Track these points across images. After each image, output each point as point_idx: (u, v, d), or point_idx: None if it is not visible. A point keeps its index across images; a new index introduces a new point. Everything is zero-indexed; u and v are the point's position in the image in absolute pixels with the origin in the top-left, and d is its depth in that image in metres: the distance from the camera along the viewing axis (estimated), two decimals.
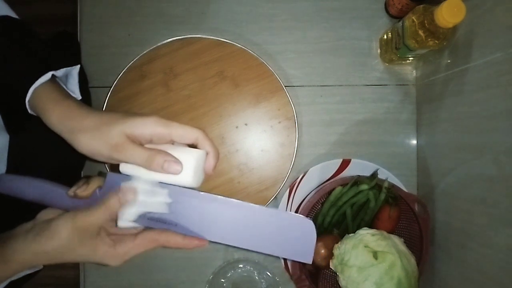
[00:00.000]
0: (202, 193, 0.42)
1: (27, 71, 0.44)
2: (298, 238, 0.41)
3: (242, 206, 0.41)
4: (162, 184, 0.41)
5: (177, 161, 0.39)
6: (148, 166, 0.39)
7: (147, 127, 0.39)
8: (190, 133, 0.41)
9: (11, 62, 0.46)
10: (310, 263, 0.41)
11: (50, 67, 0.46)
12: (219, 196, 0.41)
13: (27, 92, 0.43)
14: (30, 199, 0.43)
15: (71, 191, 0.42)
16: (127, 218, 0.41)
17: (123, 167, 0.41)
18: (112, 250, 0.39)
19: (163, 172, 0.39)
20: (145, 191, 0.40)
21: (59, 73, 0.48)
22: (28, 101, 0.44)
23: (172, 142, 0.42)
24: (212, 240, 0.42)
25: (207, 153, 0.42)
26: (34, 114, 0.45)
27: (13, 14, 0.50)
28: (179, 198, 0.41)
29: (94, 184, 0.42)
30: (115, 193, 0.39)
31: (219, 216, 0.41)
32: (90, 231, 0.39)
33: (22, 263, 0.39)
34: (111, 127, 0.39)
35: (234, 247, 0.42)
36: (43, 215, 0.42)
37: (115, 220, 0.41)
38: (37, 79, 0.44)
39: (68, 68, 0.50)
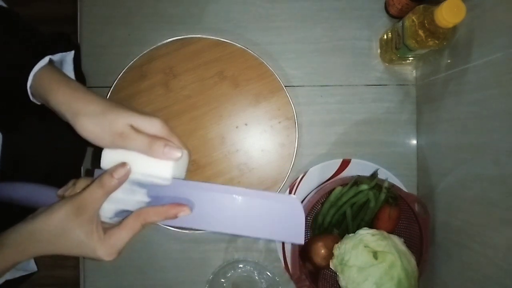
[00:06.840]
0: (180, 180, 0.42)
1: (23, 58, 0.44)
2: (287, 219, 0.40)
3: (226, 190, 0.41)
4: (140, 184, 0.41)
5: (176, 147, 0.40)
6: (148, 150, 0.40)
7: (153, 127, 0.41)
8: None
9: (6, 52, 0.45)
10: (302, 243, 0.40)
11: (46, 51, 0.46)
12: (201, 182, 0.41)
13: (27, 78, 0.43)
14: (22, 204, 0.43)
15: (60, 192, 0.42)
16: (104, 215, 0.42)
17: (104, 165, 0.41)
18: (103, 238, 0.40)
19: (163, 158, 0.40)
20: (123, 189, 0.41)
21: (56, 57, 0.48)
22: (30, 87, 0.44)
23: None
24: (199, 229, 0.41)
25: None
26: (37, 103, 0.45)
27: (1, 3, 0.49)
28: (158, 194, 0.41)
29: (82, 185, 0.42)
30: (107, 170, 0.40)
31: (204, 202, 0.41)
32: (88, 212, 0.39)
33: (17, 247, 0.38)
34: (118, 116, 0.40)
35: (224, 234, 0.41)
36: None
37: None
38: (35, 64, 0.44)
39: (63, 53, 0.50)
